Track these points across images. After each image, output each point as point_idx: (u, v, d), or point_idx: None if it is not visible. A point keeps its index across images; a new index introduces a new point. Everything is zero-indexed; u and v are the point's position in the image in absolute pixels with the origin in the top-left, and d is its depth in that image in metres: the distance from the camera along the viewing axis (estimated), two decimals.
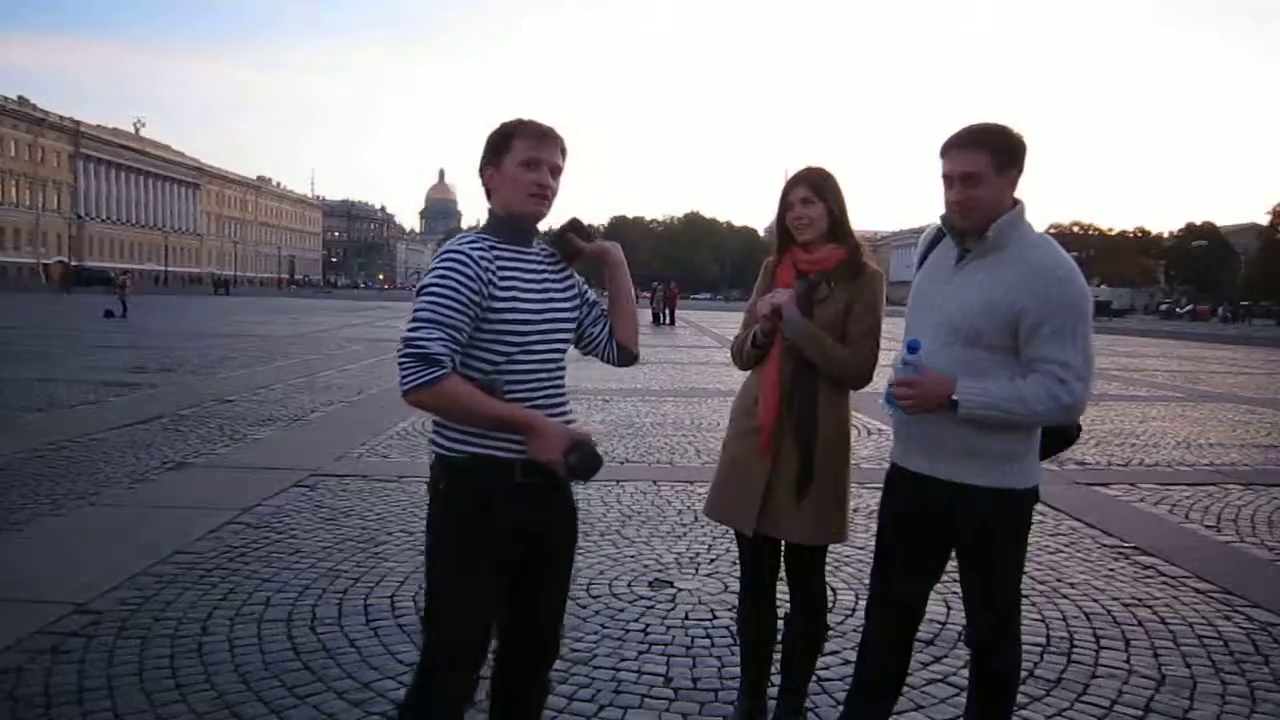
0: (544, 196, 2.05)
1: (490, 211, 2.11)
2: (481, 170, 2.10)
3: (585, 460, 1.95)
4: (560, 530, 2.19)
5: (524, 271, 2.06)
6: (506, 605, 2.12)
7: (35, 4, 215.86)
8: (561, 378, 2.14)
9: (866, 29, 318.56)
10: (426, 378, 1.88)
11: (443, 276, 1.95)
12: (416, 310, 1.94)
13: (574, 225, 2.18)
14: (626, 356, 2.32)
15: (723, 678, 3.19)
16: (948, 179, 2.20)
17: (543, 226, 2.18)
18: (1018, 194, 2.24)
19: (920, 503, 2.33)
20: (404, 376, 1.90)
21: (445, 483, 2.04)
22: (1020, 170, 2.20)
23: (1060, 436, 2.38)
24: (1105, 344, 29.41)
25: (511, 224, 2.08)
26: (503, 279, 2.00)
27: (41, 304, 37.43)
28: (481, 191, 2.15)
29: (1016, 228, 2.21)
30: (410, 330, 1.92)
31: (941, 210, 2.30)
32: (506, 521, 2.02)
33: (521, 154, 2.03)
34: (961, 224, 2.23)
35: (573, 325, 2.18)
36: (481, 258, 1.97)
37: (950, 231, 2.31)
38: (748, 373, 2.81)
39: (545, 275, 2.12)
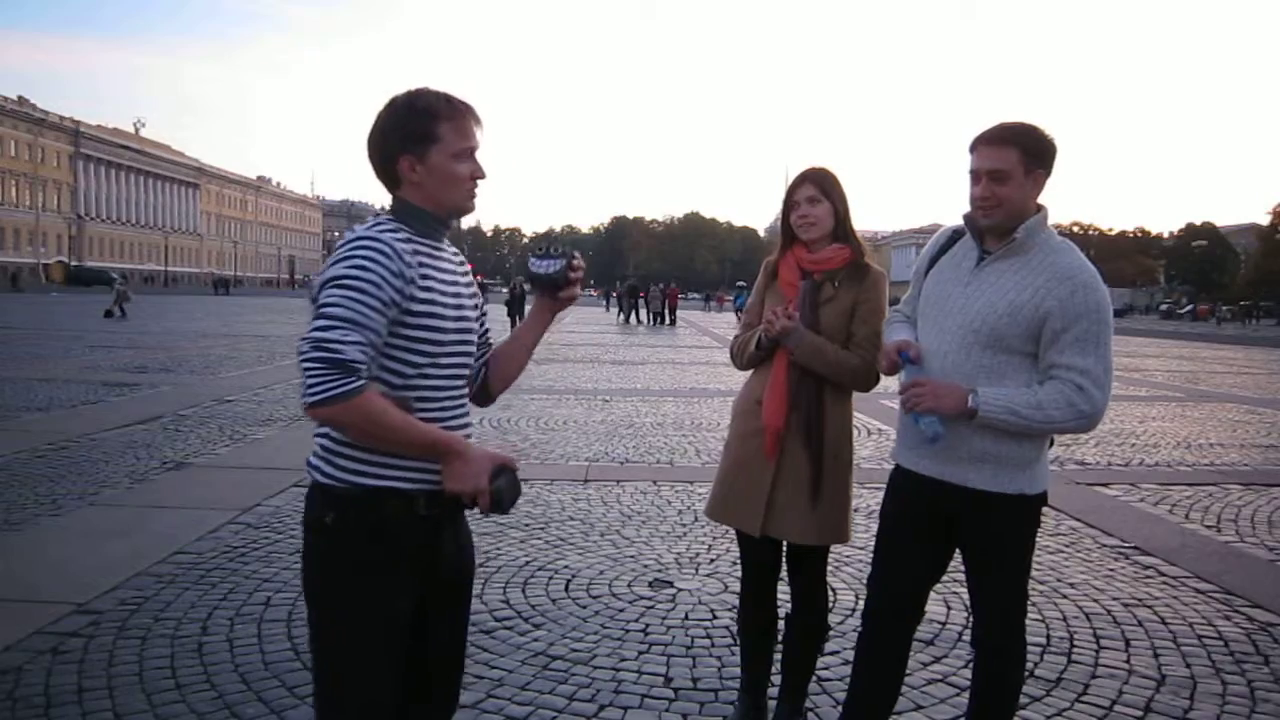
0: (476, 189, 1.83)
1: (402, 200, 1.80)
2: (393, 158, 1.76)
3: (511, 488, 1.73)
4: (459, 565, 1.91)
5: (440, 271, 1.79)
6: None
7: (35, 4, 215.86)
8: (466, 393, 1.90)
9: (867, 29, 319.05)
10: (343, 388, 1.57)
11: (361, 268, 1.64)
12: (327, 305, 1.62)
13: (572, 264, 1.94)
14: (485, 397, 2.04)
15: (723, 678, 3.19)
16: (975, 174, 2.18)
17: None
18: (1041, 199, 2.22)
19: (926, 506, 2.33)
20: (312, 385, 1.57)
21: (334, 516, 1.73)
22: (1048, 173, 2.18)
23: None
24: None
25: (432, 219, 1.81)
26: (423, 277, 1.73)
27: (32, 303, 37.44)
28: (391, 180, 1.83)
29: (1040, 232, 2.20)
30: (320, 329, 1.60)
31: (951, 209, 2.30)
32: (408, 561, 1.75)
33: (453, 144, 1.75)
34: (984, 221, 2.21)
35: (476, 331, 1.92)
36: (403, 250, 1.70)
37: (971, 232, 2.29)
38: (748, 373, 2.81)
39: (456, 275, 1.85)
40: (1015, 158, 2.13)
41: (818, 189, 2.61)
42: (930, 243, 2.46)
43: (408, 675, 1.85)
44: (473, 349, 1.89)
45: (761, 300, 2.78)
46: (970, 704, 2.47)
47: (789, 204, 2.66)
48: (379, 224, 1.76)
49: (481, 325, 1.98)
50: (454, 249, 1.91)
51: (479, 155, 1.83)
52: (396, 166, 1.76)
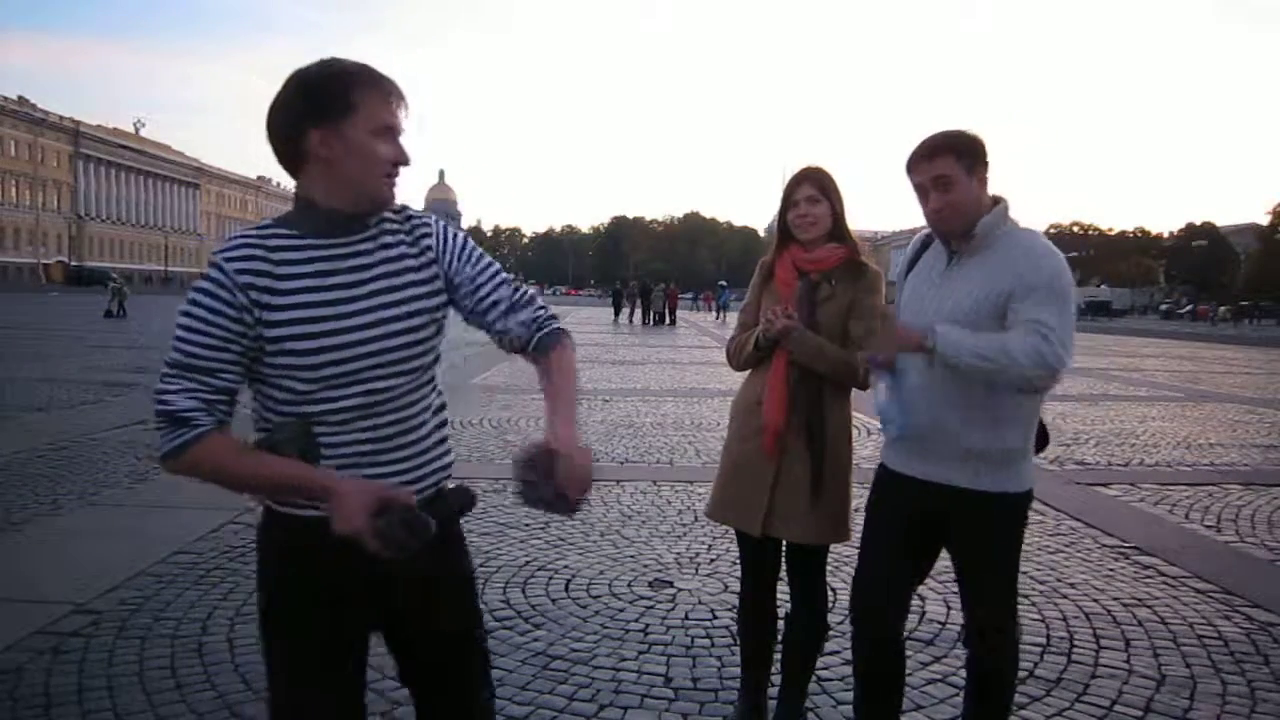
0: (396, 178, 1.55)
1: (299, 197, 1.56)
2: (300, 133, 1.49)
3: (398, 528, 1.44)
4: (428, 591, 1.68)
5: (328, 276, 1.53)
6: (411, 690, 1.79)
7: (35, 4, 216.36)
8: (412, 413, 1.61)
9: (866, 28, 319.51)
10: (171, 442, 1.47)
11: (193, 303, 1.48)
12: (170, 348, 1.50)
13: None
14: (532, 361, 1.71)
15: (723, 678, 3.19)
16: (921, 189, 2.24)
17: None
18: (1003, 193, 2.26)
19: (911, 505, 2.34)
20: (159, 439, 1.49)
21: (260, 536, 1.66)
22: (987, 167, 2.24)
23: (1040, 441, 2.38)
24: (1105, 344, 29.37)
25: (333, 215, 1.54)
26: (285, 293, 1.49)
27: (38, 303, 37.44)
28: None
29: (1001, 225, 2.23)
30: (160, 377, 1.49)
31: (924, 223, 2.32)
32: (343, 585, 1.58)
33: (374, 118, 1.49)
34: (945, 229, 2.26)
35: (424, 334, 1.60)
36: (242, 271, 1.48)
37: (939, 236, 2.33)
38: (745, 373, 2.81)
39: (375, 272, 1.56)
40: (953, 162, 2.18)
41: (817, 188, 2.61)
42: (908, 249, 2.50)
43: (418, 691, 1.78)
44: (402, 358, 1.57)
45: (758, 300, 2.78)
46: (965, 704, 2.47)
47: (787, 203, 2.66)
48: (233, 239, 1.54)
49: (476, 298, 1.64)
50: (411, 223, 1.62)
51: (404, 141, 1.56)
52: (304, 143, 1.49)
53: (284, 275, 1.50)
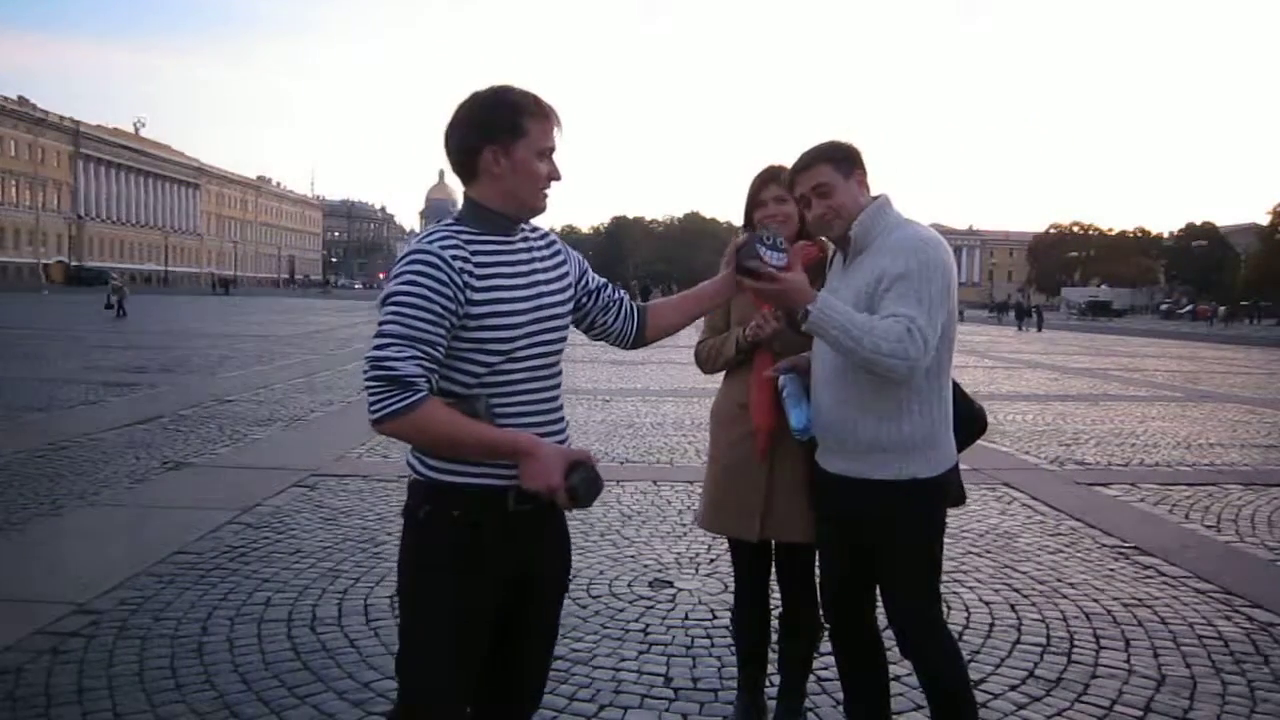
0: (548, 191, 1.84)
1: (472, 201, 1.82)
2: (475, 150, 1.77)
3: (588, 483, 1.71)
4: (553, 562, 1.94)
5: (507, 266, 1.79)
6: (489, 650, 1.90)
7: (35, 4, 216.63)
8: (556, 384, 1.89)
9: (866, 29, 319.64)
10: (399, 404, 1.64)
11: (411, 283, 1.69)
12: (383, 323, 1.68)
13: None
14: (639, 342, 2.15)
15: (723, 678, 3.19)
16: (804, 199, 2.31)
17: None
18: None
19: (837, 503, 2.35)
20: (373, 403, 1.65)
21: (427, 510, 1.78)
22: (864, 171, 2.31)
23: (971, 426, 2.41)
24: (1105, 344, 29.39)
25: (501, 217, 1.81)
26: (482, 278, 1.74)
27: (37, 303, 37.43)
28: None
29: (881, 219, 2.26)
30: (377, 348, 1.67)
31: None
32: (496, 556, 1.78)
33: (538, 141, 1.78)
34: (831, 235, 2.34)
35: (566, 320, 1.93)
36: (455, 257, 1.71)
37: (836, 243, 2.40)
38: (719, 378, 2.79)
39: (533, 266, 1.85)
40: (829, 170, 2.27)
41: (784, 188, 2.61)
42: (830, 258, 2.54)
43: (493, 673, 1.88)
44: (557, 337, 1.87)
45: (726, 305, 2.76)
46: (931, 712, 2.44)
47: (754, 204, 2.66)
48: (431, 234, 1.77)
49: (594, 295, 2.05)
50: (538, 232, 1.93)
51: (556, 158, 1.84)
52: (478, 158, 1.77)
53: (480, 263, 1.74)
